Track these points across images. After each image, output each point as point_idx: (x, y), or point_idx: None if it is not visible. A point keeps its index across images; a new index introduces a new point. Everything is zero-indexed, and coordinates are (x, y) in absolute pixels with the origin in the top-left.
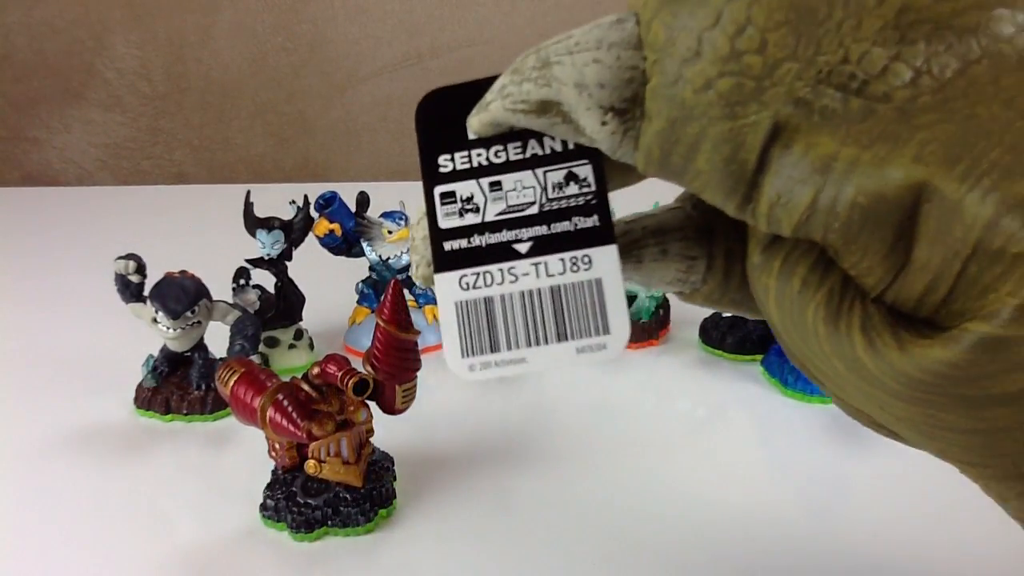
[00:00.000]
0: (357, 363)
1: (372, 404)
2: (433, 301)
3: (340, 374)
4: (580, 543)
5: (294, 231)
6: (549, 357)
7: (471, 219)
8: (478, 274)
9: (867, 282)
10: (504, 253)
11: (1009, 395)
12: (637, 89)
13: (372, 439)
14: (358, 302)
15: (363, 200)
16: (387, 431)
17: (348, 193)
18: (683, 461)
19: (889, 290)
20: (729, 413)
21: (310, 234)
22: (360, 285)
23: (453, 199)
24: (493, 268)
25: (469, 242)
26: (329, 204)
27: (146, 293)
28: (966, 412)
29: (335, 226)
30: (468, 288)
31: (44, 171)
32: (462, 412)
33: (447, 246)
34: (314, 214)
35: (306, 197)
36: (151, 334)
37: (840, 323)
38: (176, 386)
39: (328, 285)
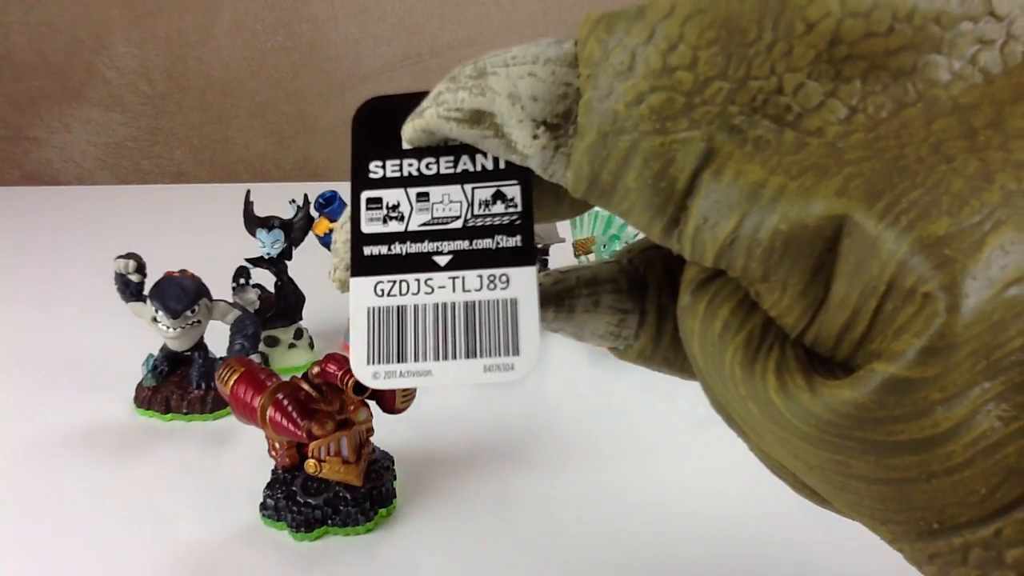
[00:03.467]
0: None
1: (372, 403)
2: None
3: (340, 373)
4: (580, 543)
5: (294, 230)
6: (455, 372)
7: (394, 227)
8: (394, 282)
9: (787, 322)
10: (423, 264)
11: (917, 442)
12: (570, 106)
13: (372, 438)
14: None
15: None
16: (387, 431)
17: (348, 193)
18: (683, 461)
19: (809, 330)
20: None
21: (310, 233)
22: None
23: (379, 205)
24: (410, 277)
25: (389, 249)
26: (329, 203)
27: (146, 292)
28: (875, 459)
29: (335, 225)
30: (382, 295)
31: (44, 170)
32: (462, 412)
33: (367, 251)
34: (314, 213)
35: (306, 196)
36: (151, 333)
37: (756, 366)
38: (176, 385)
39: (328, 284)
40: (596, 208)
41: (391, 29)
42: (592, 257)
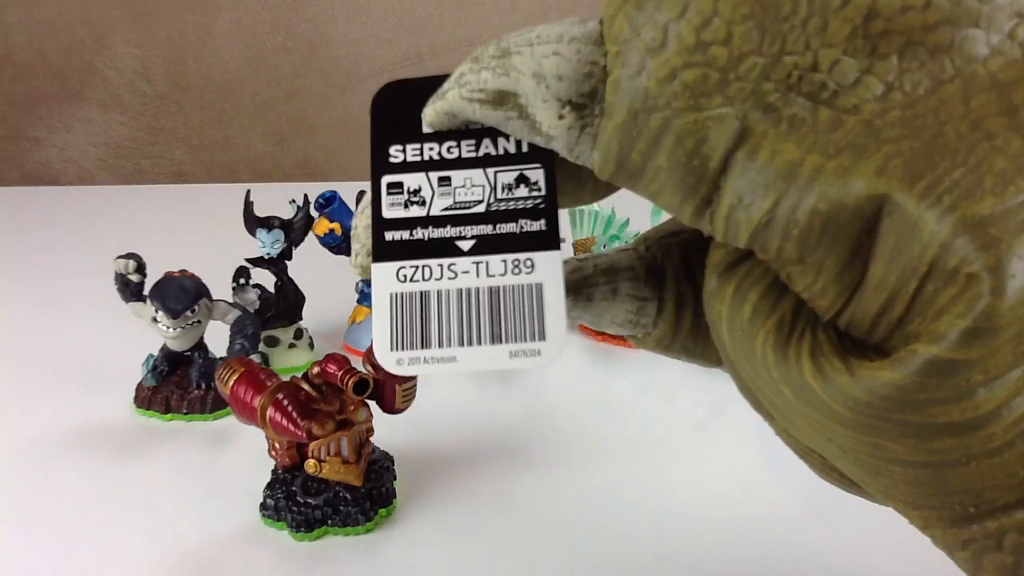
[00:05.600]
0: (357, 362)
1: (372, 403)
2: None
3: (340, 373)
4: (580, 543)
5: (294, 230)
6: (481, 358)
7: (416, 211)
8: (417, 267)
9: (820, 304)
10: (446, 249)
11: (957, 425)
12: (596, 86)
13: (372, 438)
14: (358, 301)
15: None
16: (387, 431)
17: (348, 193)
18: (683, 461)
19: (843, 312)
20: (729, 413)
21: (310, 233)
22: (360, 284)
23: (400, 190)
24: (433, 263)
25: (411, 234)
26: (329, 203)
27: (146, 292)
28: (914, 442)
29: (335, 225)
30: (405, 280)
31: (44, 171)
32: (462, 412)
33: (388, 236)
34: (314, 213)
35: (306, 196)
36: (151, 333)
37: (789, 350)
38: (176, 385)
39: (328, 284)
40: (596, 207)
41: (391, 29)
42: None
